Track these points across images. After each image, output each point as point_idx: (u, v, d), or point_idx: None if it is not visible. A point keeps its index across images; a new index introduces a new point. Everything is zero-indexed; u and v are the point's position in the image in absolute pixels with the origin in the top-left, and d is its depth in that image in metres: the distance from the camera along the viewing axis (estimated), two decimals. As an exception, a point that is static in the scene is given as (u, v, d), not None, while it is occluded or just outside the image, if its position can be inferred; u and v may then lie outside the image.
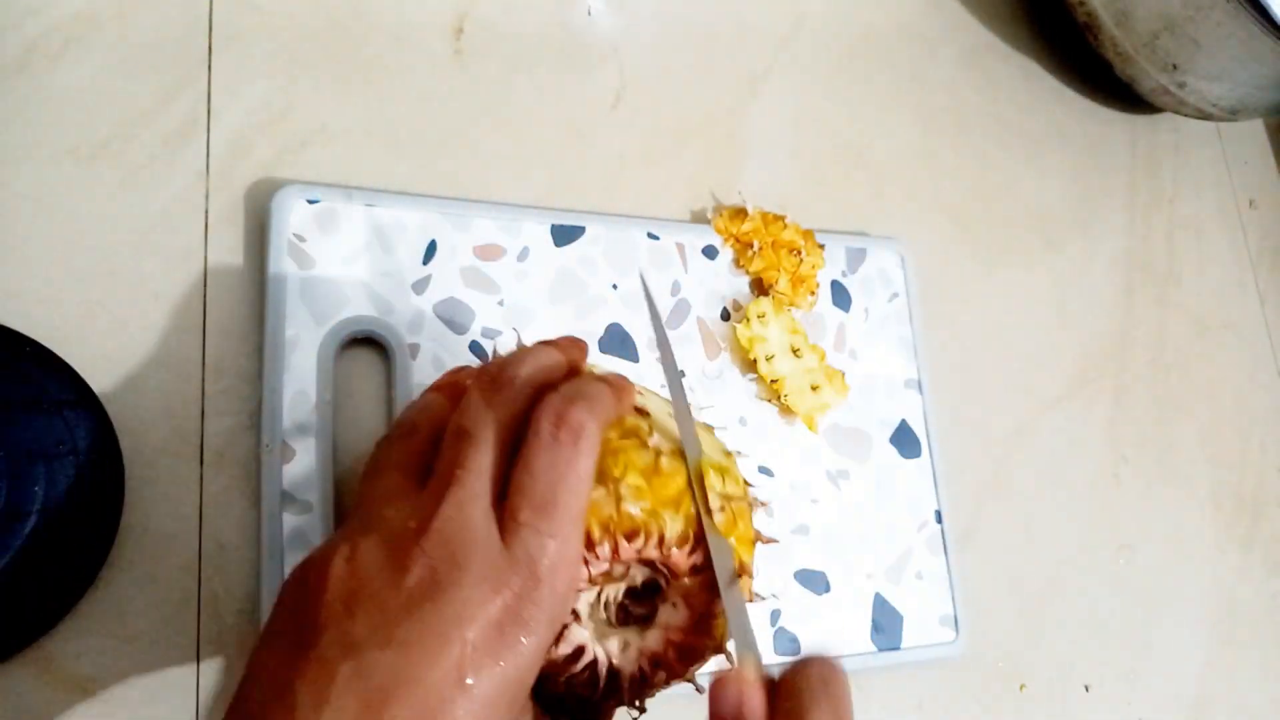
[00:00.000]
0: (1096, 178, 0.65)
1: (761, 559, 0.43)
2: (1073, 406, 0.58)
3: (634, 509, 0.26)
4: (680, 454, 0.27)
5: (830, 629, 0.44)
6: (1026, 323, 0.58)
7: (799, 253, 0.47)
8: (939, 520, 0.48)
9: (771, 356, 0.45)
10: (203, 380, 0.36)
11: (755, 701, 0.24)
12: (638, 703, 0.27)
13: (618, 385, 0.28)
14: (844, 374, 0.47)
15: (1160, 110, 0.68)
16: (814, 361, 0.46)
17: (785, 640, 0.43)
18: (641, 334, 0.44)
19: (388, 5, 0.44)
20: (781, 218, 0.48)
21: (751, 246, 0.47)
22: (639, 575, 0.27)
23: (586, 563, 0.25)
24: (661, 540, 0.26)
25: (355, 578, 0.23)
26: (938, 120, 0.59)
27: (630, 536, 0.25)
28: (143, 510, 0.34)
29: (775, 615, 0.43)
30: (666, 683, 0.27)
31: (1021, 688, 0.50)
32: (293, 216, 0.38)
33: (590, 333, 0.43)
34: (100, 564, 0.33)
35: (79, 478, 0.32)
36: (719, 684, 0.24)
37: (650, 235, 0.45)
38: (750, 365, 0.45)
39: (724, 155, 0.51)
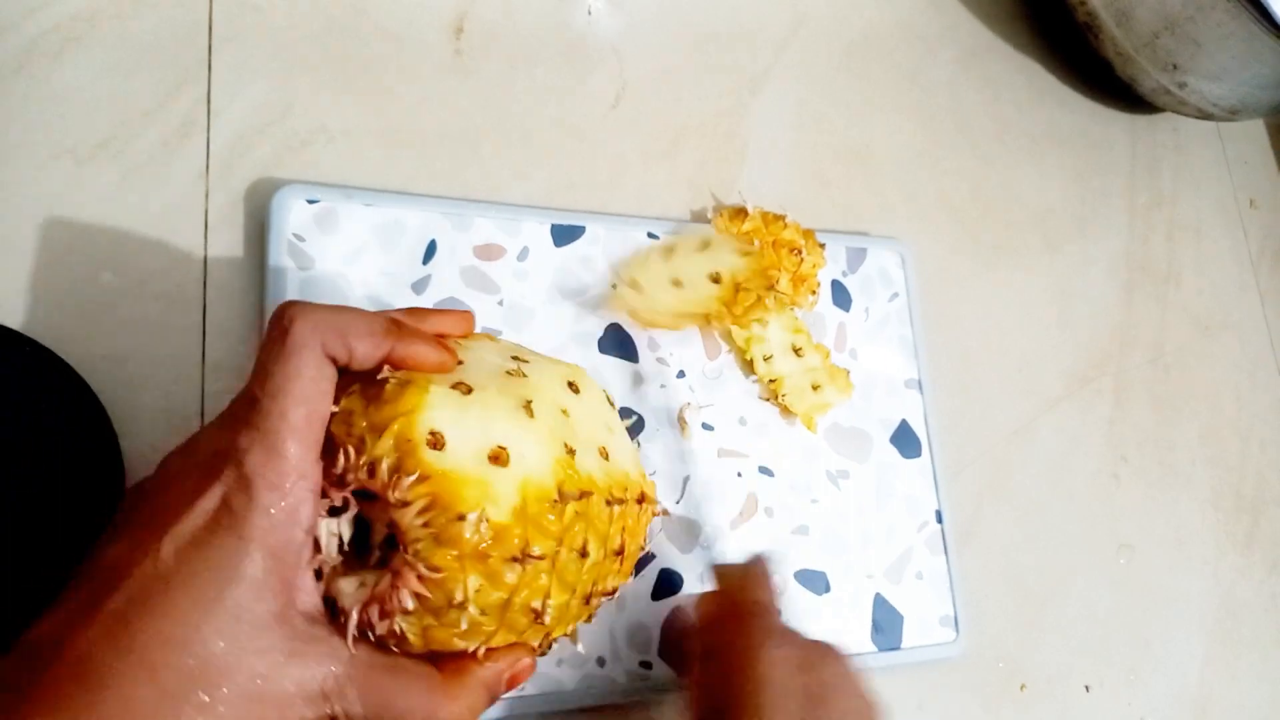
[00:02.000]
0: (1096, 178, 0.65)
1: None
2: (1073, 406, 0.58)
3: (338, 429, 0.25)
4: (408, 384, 0.25)
5: (830, 629, 0.44)
6: (1026, 323, 0.58)
7: (800, 252, 0.47)
8: (939, 520, 0.48)
9: (770, 357, 0.45)
10: (202, 380, 0.36)
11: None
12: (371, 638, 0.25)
13: (398, 322, 0.27)
14: (849, 372, 0.47)
15: (1160, 110, 0.68)
16: (817, 360, 0.46)
17: (785, 640, 0.43)
18: (641, 334, 0.44)
19: (388, 5, 0.44)
20: (782, 217, 0.48)
21: (752, 246, 0.47)
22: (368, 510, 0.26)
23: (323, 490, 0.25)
24: (366, 465, 0.24)
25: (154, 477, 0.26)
26: (938, 120, 0.59)
27: (331, 456, 0.25)
28: (142, 510, 0.34)
29: (775, 615, 0.43)
30: (415, 646, 0.25)
31: (1022, 688, 0.50)
32: (292, 216, 0.38)
33: (590, 333, 0.43)
34: (100, 564, 0.33)
35: (78, 478, 0.32)
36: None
37: (650, 235, 0.45)
38: (750, 365, 0.45)
39: (724, 155, 0.51)
